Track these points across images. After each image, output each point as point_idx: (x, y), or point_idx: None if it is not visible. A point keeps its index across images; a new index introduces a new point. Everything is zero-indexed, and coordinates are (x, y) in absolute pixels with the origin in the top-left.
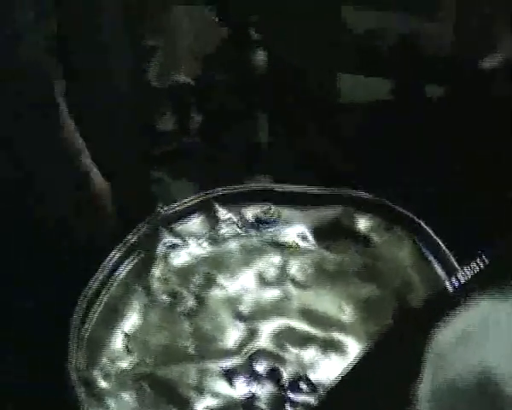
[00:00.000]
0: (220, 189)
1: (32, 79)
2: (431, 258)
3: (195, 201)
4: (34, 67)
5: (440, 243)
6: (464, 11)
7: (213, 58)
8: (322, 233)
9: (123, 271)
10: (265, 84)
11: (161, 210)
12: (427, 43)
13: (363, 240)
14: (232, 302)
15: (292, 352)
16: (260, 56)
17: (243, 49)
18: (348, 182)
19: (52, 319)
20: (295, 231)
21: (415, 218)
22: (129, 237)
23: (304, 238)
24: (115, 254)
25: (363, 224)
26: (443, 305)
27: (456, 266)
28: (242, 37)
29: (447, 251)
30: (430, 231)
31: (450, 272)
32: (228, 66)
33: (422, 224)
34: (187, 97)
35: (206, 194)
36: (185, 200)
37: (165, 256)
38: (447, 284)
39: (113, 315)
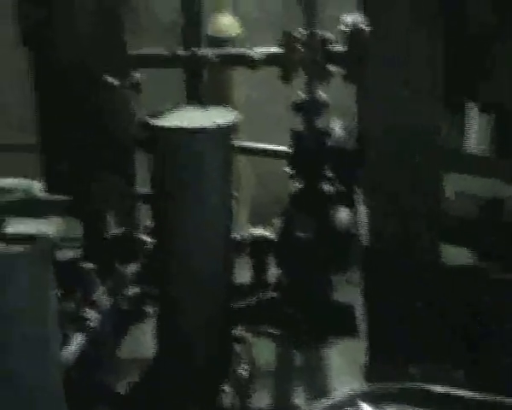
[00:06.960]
0: (369, 386)
1: None
2: None
3: (341, 398)
4: None
5: None
6: None
7: (289, 211)
8: None
9: None
10: (348, 244)
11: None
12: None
13: None
14: None
15: None
16: (342, 213)
17: (320, 203)
18: None
19: None
20: None
21: None
22: None
23: None
24: None
25: None
26: None
27: None
28: (317, 190)
29: None
30: None
31: None
32: (306, 220)
33: None
34: (264, 250)
35: (353, 390)
36: (333, 397)
37: None
38: None
39: None
